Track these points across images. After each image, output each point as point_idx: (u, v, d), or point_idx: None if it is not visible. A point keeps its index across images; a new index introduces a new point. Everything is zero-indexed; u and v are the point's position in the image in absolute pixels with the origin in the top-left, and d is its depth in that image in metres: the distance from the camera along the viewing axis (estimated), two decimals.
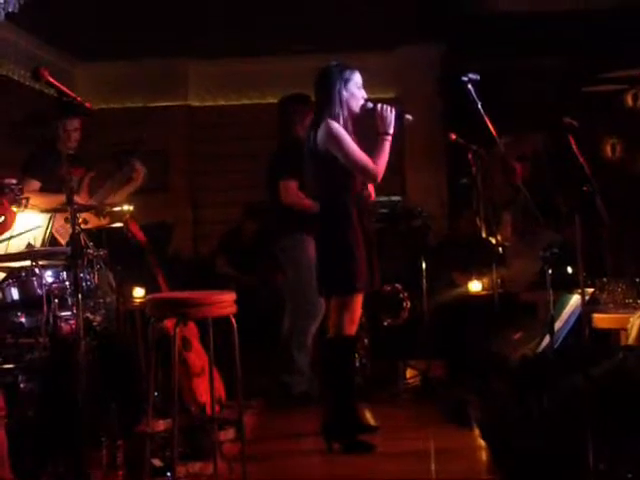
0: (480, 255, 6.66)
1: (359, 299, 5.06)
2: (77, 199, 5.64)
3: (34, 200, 5.58)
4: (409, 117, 5.02)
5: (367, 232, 5.06)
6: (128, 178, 6.22)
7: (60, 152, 6.03)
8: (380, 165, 4.94)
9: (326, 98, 4.99)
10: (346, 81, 4.96)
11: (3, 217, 4.16)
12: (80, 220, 5.60)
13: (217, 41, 8.66)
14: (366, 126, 5.09)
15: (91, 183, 6.20)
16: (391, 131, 4.96)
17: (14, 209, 4.85)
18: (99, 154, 6.69)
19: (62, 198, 5.72)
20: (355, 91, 4.99)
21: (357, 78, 5.02)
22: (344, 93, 4.95)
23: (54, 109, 4.06)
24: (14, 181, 4.75)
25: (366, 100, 5.02)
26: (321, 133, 4.92)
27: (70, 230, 4.16)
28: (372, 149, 4.96)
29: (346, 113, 4.98)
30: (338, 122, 4.92)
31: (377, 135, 4.98)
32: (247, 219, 8.52)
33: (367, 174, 4.96)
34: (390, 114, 4.94)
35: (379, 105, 4.98)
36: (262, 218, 8.19)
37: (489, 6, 8.24)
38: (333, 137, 4.88)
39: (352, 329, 5.07)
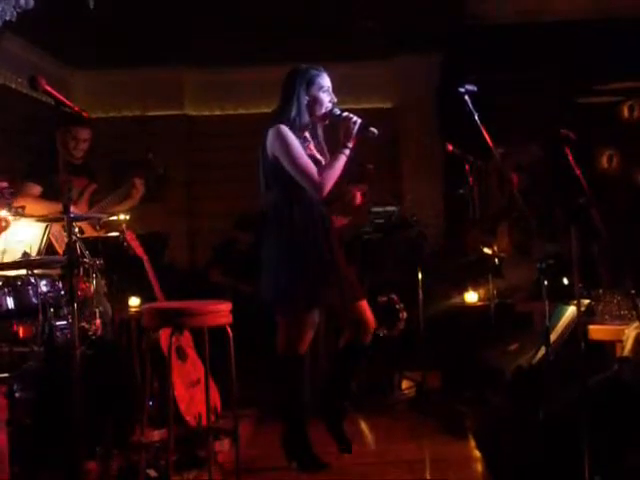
0: (476, 266, 6.67)
1: (305, 317, 4.78)
2: (76, 209, 5.68)
3: (32, 206, 5.59)
4: (374, 130, 4.71)
5: (326, 243, 4.75)
6: (127, 195, 6.22)
7: (62, 160, 6.05)
8: (326, 178, 4.62)
9: (284, 101, 4.73)
10: (308, 83, 4.69)
11: None
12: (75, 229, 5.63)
13: (214, 50, 8.67)
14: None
15: (92, 195, 6.21)
16: (350, 144, 4.69)
17: (6, 214, 4.84)
18: (97, 164, 6.68)
19: (60, 206, 5.76)
20: (319, 95, 4.71)
21: (323, 81, 4.74)
22: (304, 97, 4.68)
23: (58, 118, 4.06)
24: (5, 184, 4.74)
25: (333, 105, 4.76)
26: (270, 137, 4.66)
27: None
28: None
29: (305, 118, 4.72)
30: (293, 127, 4.66)
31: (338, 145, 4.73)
32: (239, 230, 8.51)
33: (310, 185, 4.63)
34: (353, 125, 4.67)
35: (344, 114, 4.71)
36: (253, 229, 8.19)
37: (487, 17, 8.26)
38: (279, 142, 4.61)
39: (298, 348, 4.82)
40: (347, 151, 4.68)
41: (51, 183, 5.70)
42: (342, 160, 4.67)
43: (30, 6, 4.40)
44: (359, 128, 4.67)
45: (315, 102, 4.71)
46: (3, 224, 3.97)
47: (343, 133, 4.69)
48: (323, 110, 4.74)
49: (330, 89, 4.76)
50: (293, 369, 4.87)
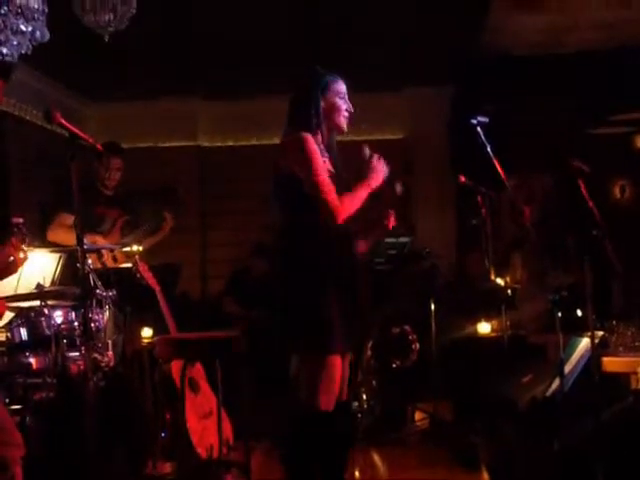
0: (489, 297, 6.65)
1: (336, 362, 4.00)
2: (108, 239, 5.80)
3: (62, 236, 5.66)
4: (399, 188, 4.42)
5: (345, 277, 4.09)
6: (158, 228, 6.34)
7: (98, 191, 6.15)
8: (345, 205, 4.00)
9: (298, 108, 4.20)
10: (324, 89, 4.17)
11: (12, 257, 4.16)
12: (110, 257, 5.73)
13: (227, 81, 8.71)
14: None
15: (124, 226, 6.30)
16: (375, 186, 4.15)
17: (24, 249, 4.86)
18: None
19: (92, 238, 5.84)
20: (336, 101, 4.20)
21: (340, 87, 4.22)
22: (321, 103, 4.16)
23: (72, 148, 4.09)
24: (22, 220, 4.77)
25: (364, 146, 4.24)
26: (287, 147, 4.11)
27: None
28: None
29: (325, 129, 4.18)
30: (315, 137, 4.12)
31: (360, 179, 4.16)
32: (255, 258, 8.53)
33: (326, 207, 3.96)
34: (384, 171, 4.20)
35: (375, 156, 4.22)
36: (270, 257, 8.21)
37: (501, 49, 8.29)
38: (299, 151, 4.01)
39: (328, 402, 3.99)
40: (371, 187, 4.14)
41: (85, 214, 5.75)
42: (366, 193, 4.12)
43: (45, 39, 4.42)
44: (386, 178, 4.22)
45: (332, 109, 4.19)
46: (21, 255, 3.98)
47: (370, 172, 4.17)
48: (341, 119, 4.22)
49: (346, 96, 4.25)
50: (316, 430, 4.01)
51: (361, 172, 4.18)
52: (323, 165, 4.05)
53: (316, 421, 3.98)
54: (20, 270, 4.86)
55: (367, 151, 4.24)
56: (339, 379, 4.03)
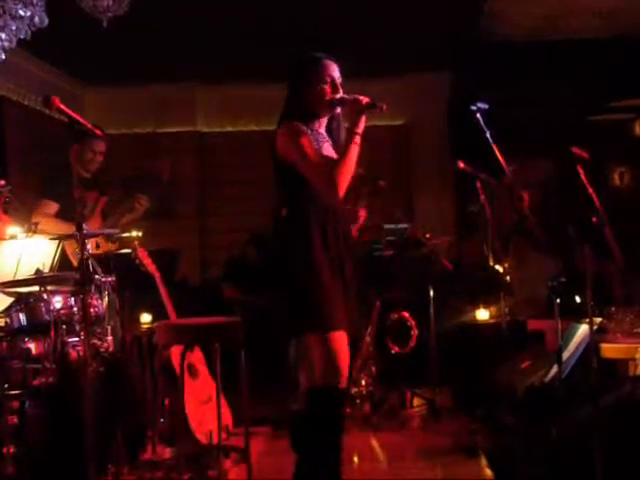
0: (488, 282, 6.65)
1: (341, 338, 3.97)
2: (89, 223, 5.72)
3: (48, 225, 5.62)
4: (382, 106, 3.98)
5: (340, 262, 4.05)
6: (130, 208, 6.26)
7: (76, 174, 6.08)
8: (339, 173, 3.91)
9: (292, 93, 4.15)
10: (318, 73, 4.10)
11: None
12: (93, 244, 5.67)
13: (226, 67, 8.70)
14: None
15: (104, 208, 6.25)
16: (359, 130, 3.98)
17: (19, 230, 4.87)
18: (108, 180, 6.70)
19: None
20: (331, 86, 4.11)
21: (334, 72, 4.13)
22: (314, 88, 4.09)
23: (74, 133, 4.09)
24: (2, 182, 4.75)
25: (332, 96, 4.10)
26: (279, 136, 4.04)
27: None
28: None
29: (317, 111, 4.12)
30: (306, 123, 4.08)
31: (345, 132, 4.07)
32: (250, 246, 8.54)
33: (323, 185, 3.96)
34: (360, 106, 3.99)
35: (346, 96, 4.07)
36: (265, 246, 8.22)
37: (500, 35, 8.27)
38: (289, 138, 3.99)
39: (338, 378, 3.96)
40: (358, 138, 3.98)
41: (67, 199, 5.73)
42: (354, 151, 3.97)
43: (44, 24, 4.42)
44: (367, 107, 3.99)
45: (315, 94, 4.10)
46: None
47: (350, 118, 4.03)
48: (326, 101, 4.11)
49: (340, 81, 4.14)
50: (331, 404, 3.97)
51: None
52: (314, 146, 4.00)
53: (332, 398, 3.95)
54: (18, 259, 4.88)
55: (337, 96, 4.11)
56: (347, 355, 3.99)
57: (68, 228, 5.31)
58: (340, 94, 4.09)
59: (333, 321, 3.92)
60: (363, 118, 4.00)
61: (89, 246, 4.91)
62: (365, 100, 4.00)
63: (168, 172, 6.48)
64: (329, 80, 4.11)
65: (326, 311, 3.92)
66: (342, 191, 3.94)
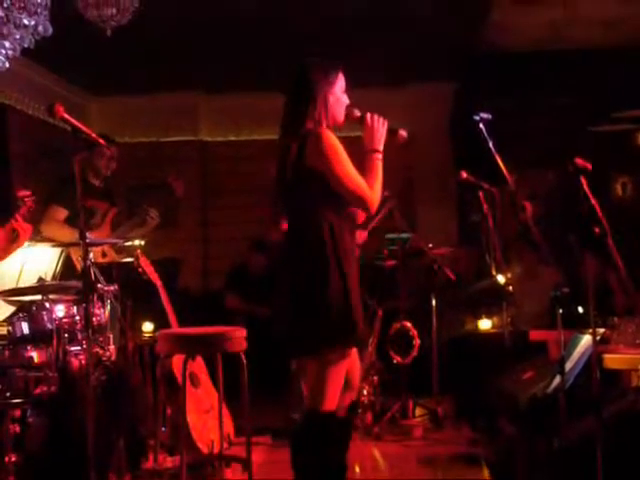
0: (490, 293, 6.65)
1: (343, 357, 3.82)
2: (99, 233, 5.75)
3: (54, 231, 5.64)
4: (403, 133, 4.09)
5: (357, 276, 3.91)
6: (142, 223, 6.30)
7: (87, 183, 6.10)
8: (377, 191, 3.86)
9: (303, 102, 3.89)
10: (331, 81, 3.93)
11: (16, 232, 4.16)
12: (99, 252, 5.69)
13: (228, 76, 8.71)
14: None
15: (114, 219, 6.28)
16: (381, 148, 3.95)
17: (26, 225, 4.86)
18: (112, 189, 6.71)
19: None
20: (340, 96, 3.97)
21: (342, 81, 3.99)
22: (330, 97, 3.91)
23: (85, 142, 4.09)
24: (28, 192, 4.74)
25: (351, 106, 4.01)
26: (310, 145, 3.77)
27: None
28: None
29: (331, 123, 3.93)
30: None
31: (364, 152, 3.96)
32: (254, 253, 8.54)
33: (362, 202, 3.83)
34: (382, 127, 3.98)
35: (368, 115, 4.00)
36: (269, 252, 8.24)
37: (503, 45, 8.28)
38: (325, 150, 3.75)
39: (332, 402, 3.81)
40: (380, 156, 3.95)
41: (75, 206, 5.75)
42: (380, 166, 3.92)
43: (48, 33, 4.43)
44: (387, 130, 4.00)
45: (337, 104, 3.96)
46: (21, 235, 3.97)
47: (370, 136, 3.96)
48: (343, 113, 3.98)
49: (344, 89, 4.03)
50: (322, 432, 3.82)
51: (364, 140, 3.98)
52: (349, 161, 3.82)
53: (335, 422, 3.85)
54: (21, 267, 4.89)
55: (357, 112, 4.01)
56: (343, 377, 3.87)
57: (75, 235, 5.34)
58: (365, 112, 4.01)
59: (356, 336, 3.81)
60: (384, 138, 3.98)
61: (91, 255, 4.91)
62: (386, 122, 3.99)
63: (182, 188, 6.49)
64: (344, 90, 4.01)
65: (352, 325, 3.78)
66: (375, 209, 3.89)
